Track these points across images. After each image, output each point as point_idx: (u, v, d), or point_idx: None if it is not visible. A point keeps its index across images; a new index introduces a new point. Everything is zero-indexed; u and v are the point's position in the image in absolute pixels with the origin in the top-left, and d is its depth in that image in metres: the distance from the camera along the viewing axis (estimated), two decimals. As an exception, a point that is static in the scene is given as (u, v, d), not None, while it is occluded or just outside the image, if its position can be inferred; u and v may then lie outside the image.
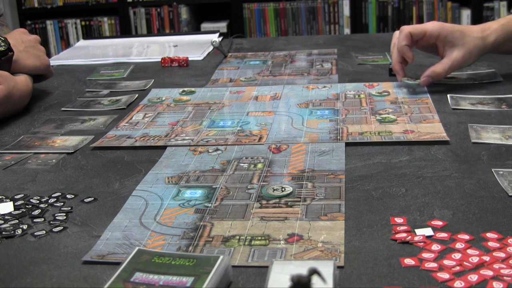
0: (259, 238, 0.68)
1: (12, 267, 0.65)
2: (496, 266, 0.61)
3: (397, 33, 1.21)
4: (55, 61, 1.67)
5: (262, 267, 0.62)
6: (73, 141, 1.03)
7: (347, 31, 3.70)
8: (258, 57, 1.57)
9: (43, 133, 1.09)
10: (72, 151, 0.99)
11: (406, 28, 1.18)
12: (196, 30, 3.79)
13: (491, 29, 1.18)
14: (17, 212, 0.78)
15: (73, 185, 0.86)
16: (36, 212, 0.78)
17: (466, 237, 0.66)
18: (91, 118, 1.15)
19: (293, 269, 0.57)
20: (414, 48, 1.22)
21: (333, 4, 3.70)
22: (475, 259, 0.62)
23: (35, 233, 0.72)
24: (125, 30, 3.79)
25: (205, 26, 3.74)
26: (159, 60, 1.56)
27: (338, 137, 0.97)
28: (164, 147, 0.98)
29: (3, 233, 0.73)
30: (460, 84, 1.24)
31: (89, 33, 3.84)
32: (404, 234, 0.67)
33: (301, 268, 0.56)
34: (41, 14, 3.87)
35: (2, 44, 1.18)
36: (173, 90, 1.30)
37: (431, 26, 1.17)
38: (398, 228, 0.69)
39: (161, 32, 3.74)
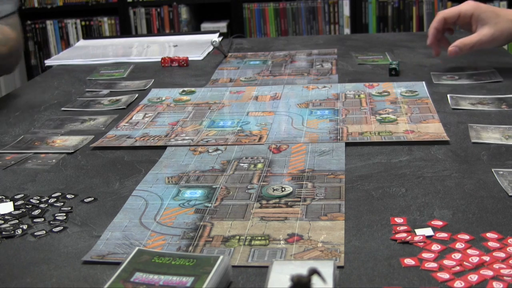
0: (259, 238, 0.68)
1: (12, 267, 0.65)
2: (496, 266, 0.61)
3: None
4: (55, 61, 1.67)
5: (262, 267, 0.62)
6: (73, 141, 1.03)
7: (347, 31, 3.70)
8: (258, 57, 1.57)
9: (43, 133, 1.09)
10: (72, 151, 0.99)
11: (440, 13, 1.27)
12: (196, 30, 3.79)
13: None
14: (17, 212, 0.78)
15: (73, 185, 0.86)
16: (36, 212, 0.78)
17: (466, 237, 0.66)
18: (91, 118, 1.15)
19: (293, 269, 0.57)
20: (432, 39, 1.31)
21: (333, 4, 3.70)
22: (475, 259, 0.62)
23: (35, 233, 0.72)
24: (125, 30, 3.79)
25: (205, 26, 3.74)
26: (159, 60, 1.56)
27: (338, 137, 0.97)
28: (164, 147, 0.98)
29: (3, 233, 0.73)
30: (460, 84, 1.24)
31: (89, 33, 3.84)
32: (404, 234, 0.67)
33: (301, 268, 0.56)
34: (41, 14, 3.87)
35: None
36: (173, 90, 1.30)
37: (465, 7, 1.25)
38: (398, 228, 0.69)
39: (161, 32, 3.74)
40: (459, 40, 1.24)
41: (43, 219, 0.76)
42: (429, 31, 1.29)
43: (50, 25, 3.88)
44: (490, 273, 0.59)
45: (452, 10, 1.26)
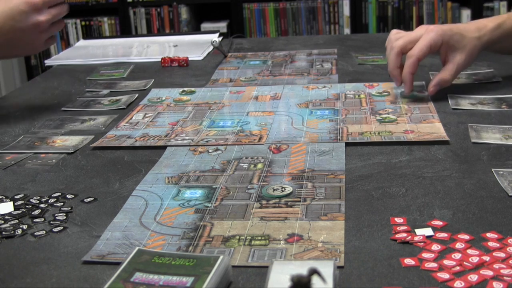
0: (259, 238, 0.68)
1: (12, 267, 0.65)
2: (496, 266, 0.61)
3: (392, 36, 1.18)
4: (55, 61, 1.67)
5: (262, 267, 0.62)
6: (73, 141, 1.03)
7: (347, 31, 3.70)
8: (258, 57, 1.57)
9: (43, 133, 1.09)
10: (72, 151, 0.99)
11: (413, 55, 1.13)
12: (196, 30, 3.79)
13: (487, 28, 1.17)
14: (17, 212, 0.78)
15: (73, 185, 0.86)
16: (36, 212, 0.78)
17: (466, 237, 0.66)
18: (91, 118, 1.15)
19: (293, 269, 0.57)
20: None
21: (333, 4, 3.70)
22: (475, 259, 0.62)
23: (35, 233, 0.72)
24: (125, 30, 3.79)
25: (205, 26, 3.74)
26: (159, 60, 1.56)
27: (338, 137, 0.97)
28: (164, 147, 0.98)
29: (3, 233, 0.73)
30: (460, 84, 1.24)
31: (89, 33, 3.84)
32: (404, 234, 0.67)
33: (301, 268, 0.56)
34: (41, 14, 3.87)
35: None
36: (173, 90, 1.30)
37: (432, 36, 1.13)
38: (398, 228, 0.69)
39: (161, 32, 3.74)
40: (438, 77, 1.14)
41: (43, 219, 0.76)
42: (405, 77, 1.13)
43: (50, 25, 3.87)
44: (490, 273, 0.59)
45: (422, 48, 1.13)
